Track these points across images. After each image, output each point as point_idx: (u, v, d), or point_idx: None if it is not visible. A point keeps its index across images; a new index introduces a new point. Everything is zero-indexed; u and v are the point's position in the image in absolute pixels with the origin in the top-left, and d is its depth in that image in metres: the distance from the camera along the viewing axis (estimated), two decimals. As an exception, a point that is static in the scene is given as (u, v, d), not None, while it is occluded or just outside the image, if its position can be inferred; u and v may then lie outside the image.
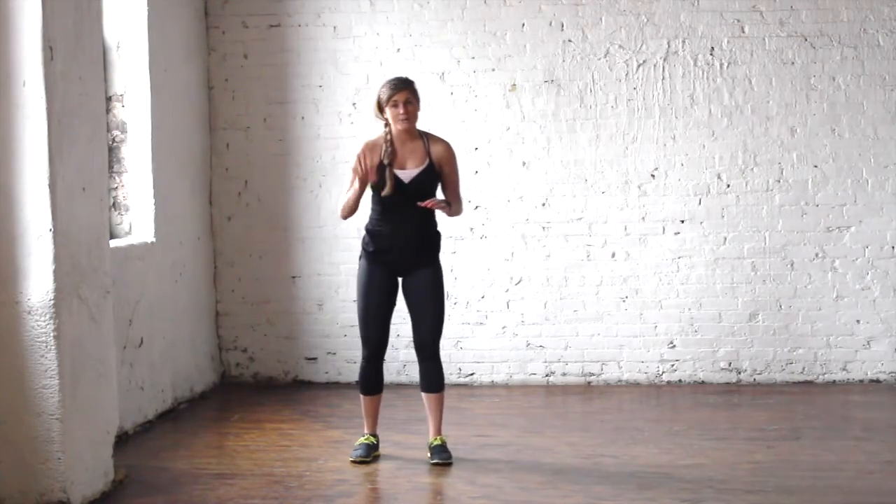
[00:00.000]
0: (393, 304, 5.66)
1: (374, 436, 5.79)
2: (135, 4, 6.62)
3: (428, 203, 5.42)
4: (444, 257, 7.50)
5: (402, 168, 5.51)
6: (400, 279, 5.64)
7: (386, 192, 5.48)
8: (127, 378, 6.19)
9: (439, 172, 5.58)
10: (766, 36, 7.40)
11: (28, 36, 4.64)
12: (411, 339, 5.72)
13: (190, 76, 7.35)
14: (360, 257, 5.67)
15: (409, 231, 5.55)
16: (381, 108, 5.54)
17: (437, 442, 5.67)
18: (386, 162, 5.48)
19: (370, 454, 5.67)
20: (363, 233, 5.68)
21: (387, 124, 5.53)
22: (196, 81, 7.47)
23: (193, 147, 7.42)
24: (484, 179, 7.54)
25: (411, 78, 5.68)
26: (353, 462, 5.60)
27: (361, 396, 5.77)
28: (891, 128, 7.36)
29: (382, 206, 5.54)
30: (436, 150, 5.57)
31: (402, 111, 5.46)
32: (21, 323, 4.72)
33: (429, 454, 5.67)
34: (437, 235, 5.70)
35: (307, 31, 7.59)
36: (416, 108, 5.56)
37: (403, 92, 5.49)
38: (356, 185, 5.47)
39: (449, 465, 5.56)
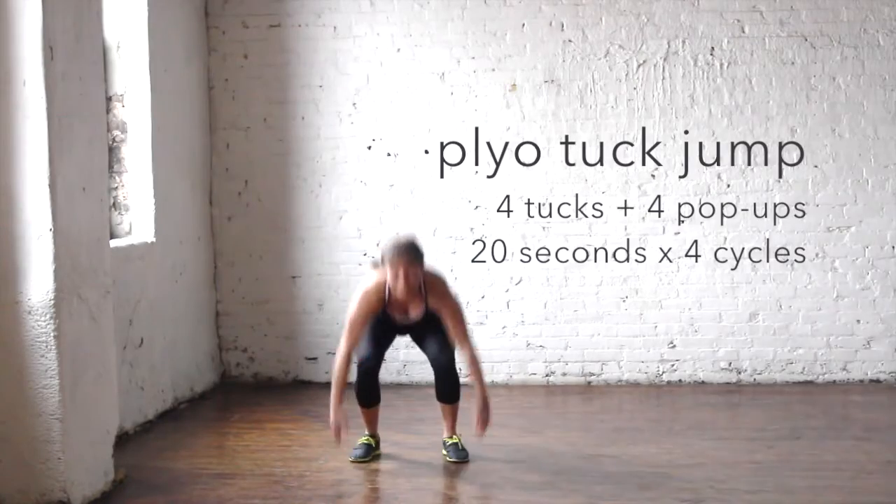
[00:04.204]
0: (391, 341, 5.80)
1: (374, 436, 5.80)
2: (135, 4, 6.62)
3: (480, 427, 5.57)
4: (445, 257, 7.53)
5: (404, 313, 5.58)
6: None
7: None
8: (127, 378, 6.19)
9: (440, 317, 5.59)
10: (766, 36, 7.40)
11: (28, 36, 4.64)
12: (411, 338, 5.76)
13: (190, 76, 7.35)
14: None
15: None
16: (383, 262, 5.47)
17: (453, 441, 5.71)
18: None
19: (369, 454, 5.69)
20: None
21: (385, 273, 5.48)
22: (196, 81, 7.47)
23: (193, 147, 7.42)
24: (484, 179, 7.53)
25: (416, 243, 5.53)
26: (353, 462, 5.61)
27: (362, 410, 5.77)
28: (891, 128, 7.36)
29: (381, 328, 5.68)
30: (432, 301, 5.53)
31: (401, 282, 5.39)
32: (21, 323, 4.72)
33: (444, 451, 5.71)
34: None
35: (307, 31, 7.59)
36: (419, 275, 5.44)
37: (405, 262, 5.38)
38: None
39: (465, 462, 5.59)
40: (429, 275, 5.57)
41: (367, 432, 5.80)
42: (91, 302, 5.01)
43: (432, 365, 5.69)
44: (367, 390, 5.69)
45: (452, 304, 5.57)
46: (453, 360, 5.65)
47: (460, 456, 5.63)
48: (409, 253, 5.42)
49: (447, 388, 5.66)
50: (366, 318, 5.54)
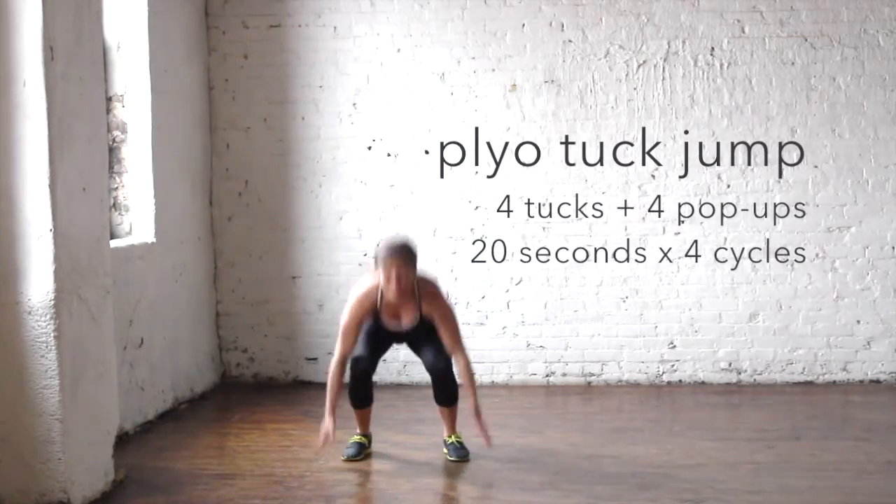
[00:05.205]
0: (387, 348, 5.81)
1: (366, 435, 5.83)
2: (135, 4, 6.62)
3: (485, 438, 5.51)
4: (445, 257, 7.53)
5: (397, 319, 5.58)
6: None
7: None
8: (127, 378, 6.19)
9: (432, 325, 5.59)
10: (766, 36, 7.40)
11: (28, 36, 4.64)
12: (408, 346, 5.78)
13: (190, 76, 7.35)
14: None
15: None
16: (376, 263, 5.50)
17: (453, 440, 5.73)
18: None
19: (361, 452, 5.72)
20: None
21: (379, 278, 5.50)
22: (196, 82, 7.47)
23: (194, 147, 7.42)
24: (484, 179, 7.53)
25: (410, 244, 5.52)
26: (345, 461, 5.62)
27: (356, 411, 5.79)
28: (891, 128, 7.36)
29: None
30: (426, 308, 5.53)
31: (393, 284, 5.39)
32: (21, 323, 4.72)
33: (444, 450, 5.74)
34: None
35: (307, 31, 7.59)
36: (411, 277, 5.44)
37: (397, 263, 5.37)
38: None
39: (466, 461, 5.61)
40: (422, 280, 5.57)
41: (358, 431, 5.82)
42: (91, 302, 5.01)
43: (428, 371, 5.68)
44: (360, 392, 5.71)
45: (445, 309, 5.56)
46: (450, 364, 5.64)
47: (460, 455, 5.65)
48: (402, 255, 5.42)
49: (445, 392, 5.67)
50: (359, 324, 5.55)
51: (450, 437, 5.75)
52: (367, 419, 5.81)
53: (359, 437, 5.79)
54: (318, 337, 7.67)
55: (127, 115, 6.66)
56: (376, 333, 5.65)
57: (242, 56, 7.64)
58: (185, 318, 7.18)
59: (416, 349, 5.76)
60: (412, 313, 5.53)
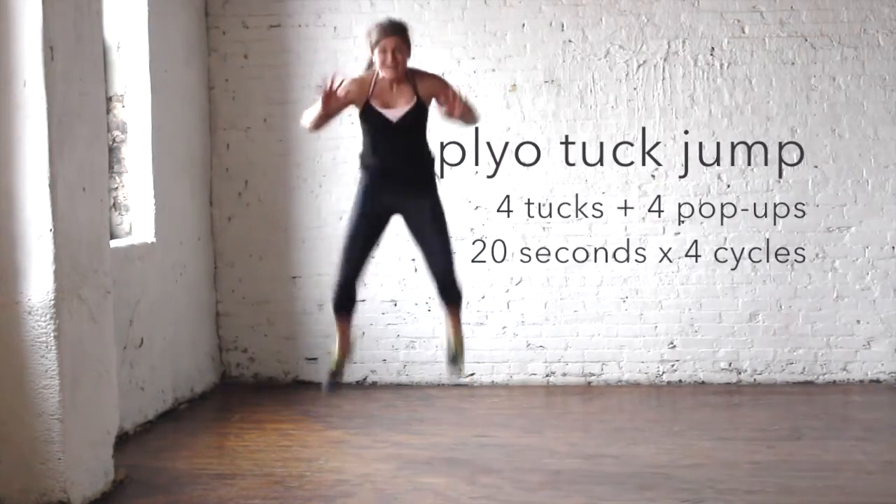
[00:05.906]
0: (378, 236, 5.62)
1: (342, 357, 5.73)
2: (135, 4, 6.63)
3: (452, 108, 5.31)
4: (445, 257, 7.52)
5: (390, 108, 5.41)
6: (401, 218, 5.58)
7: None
8: (127, 378, 6.19)
9: (428, 106, 5.46)
10: (767, 36, 7.40)
11: (28, 36, 4.64)
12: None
13: (190, 76, 7.35)
14: (359, 183, 5.58)
15: (402, 164, 5.50)
16: (370, 49, 5.38)
17: (453, 342, 5.64)
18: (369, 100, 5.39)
19: (336, 381, 5.74)
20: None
21: (372, 65, 5.40)
22: (196, 82, 7.47)
23: (194, 147, 7.43)
24: (484, 179, 7.53)
25: (404, 23, 5.48)
26: (328, 393, 5.66)
27: (335, 318, 5.70)
28: (891, 128, 7.36)
29: (373, 143, 5.48)
30: (424, 87, 5.43)
31: (389, 59, 5.29)
32: (21, 323, 4.72)
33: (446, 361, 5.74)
34: (431, 161, 5.64)
35: (307, 31, 7.59)
36: (406, 56, 5.37)
37: (392, 38, 5.30)
38: (319, 105, 5.31)
39: (460, 371, 5.71)
40: (420, 70, 5.49)
41: (336, 353, 5.75)
42: (91, 302, 5.01)
43: (434, 279, 5.56)
44: (346, 293, 5.61)
45: (445, 83, 5.45)
46: (452, 271, 5.55)
47: (452, 368, 5.61)
48: (395, 27, 5.31)
49: (449, 290, 5.56)
50: (346, 95, 5.34)
51: (452, 337, 5.63)
52: (346, 332, 5.69)
53: (333, 362, 5.72)
54: (319, 337, 7.66)
55: (127, 115, 6.67)
56: (368, 216, 5.53)
57: (242, 56, 7.65)
58: (185, 318, 7.18)
59: (420, 236, 5.56)
60: (408, 95, 5.39)
